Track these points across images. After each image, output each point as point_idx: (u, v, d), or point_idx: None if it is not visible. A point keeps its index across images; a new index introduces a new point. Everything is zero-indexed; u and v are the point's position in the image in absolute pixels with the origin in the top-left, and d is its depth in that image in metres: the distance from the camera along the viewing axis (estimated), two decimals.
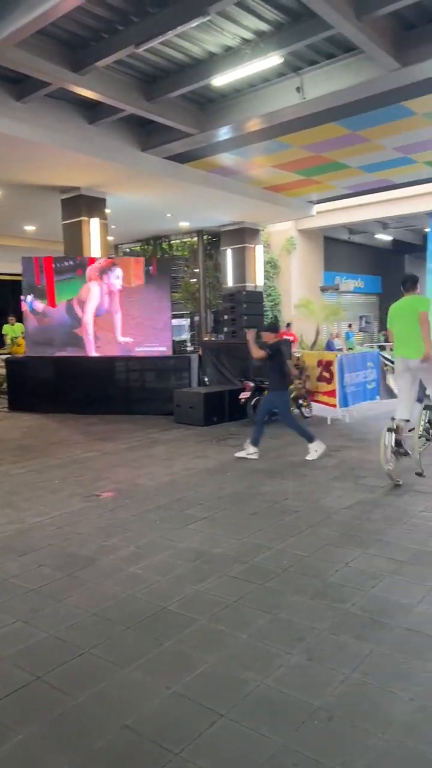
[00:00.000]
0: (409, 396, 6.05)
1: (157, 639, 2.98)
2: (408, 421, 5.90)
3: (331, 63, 8.18)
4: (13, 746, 2.23)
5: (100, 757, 2.17)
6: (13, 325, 15.88)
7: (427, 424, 6.11)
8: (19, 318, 13.44)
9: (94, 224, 12.64)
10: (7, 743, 2.25)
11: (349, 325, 21.21)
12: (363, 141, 10.91)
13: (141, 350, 11.24)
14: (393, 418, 5.87)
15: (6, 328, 16.11)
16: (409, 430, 5.87)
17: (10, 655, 2.87)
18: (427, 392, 6.20)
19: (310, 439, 7.08)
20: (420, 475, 5.80)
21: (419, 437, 5.90)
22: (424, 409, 6.15)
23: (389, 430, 5.74)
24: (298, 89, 8.47)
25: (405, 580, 3.60)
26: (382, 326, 23.86)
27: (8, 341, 15.84)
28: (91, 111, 9.85)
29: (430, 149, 11.52)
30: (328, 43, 7.77)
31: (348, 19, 6.56)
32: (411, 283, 6.02)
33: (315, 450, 7.02)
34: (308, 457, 6.96)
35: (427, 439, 6.11)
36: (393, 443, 5.75)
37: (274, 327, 7.66)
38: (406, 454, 5.85)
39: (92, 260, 11.45)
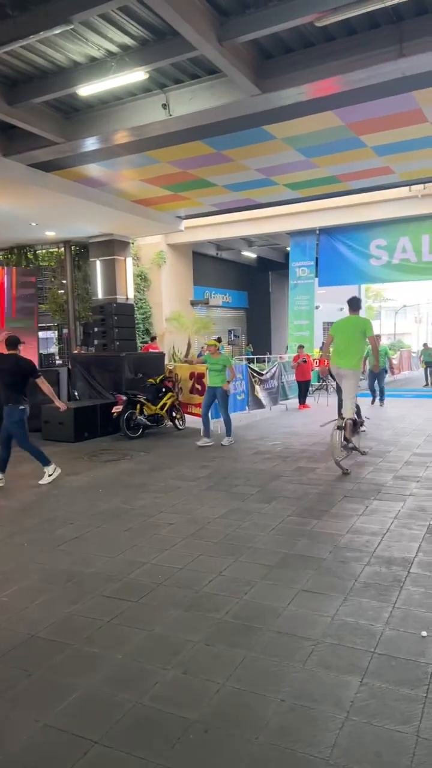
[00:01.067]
0: (353, 398, 6.97)
1: (25, 670, 2.81)
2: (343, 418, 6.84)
3: (195, 83, 8.40)
4: None
5: None
6: None
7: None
8: None
9: None
10: None
11: (218, 339, 21.75)
12: (228, 160, 11.30)
13: None
14: (342, 417, 6.87)
15: None
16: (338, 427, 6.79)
17: None
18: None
19: (46, 463, 6.84)
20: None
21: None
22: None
23: (338, 428, 6.75)
24: (164, 106, 8.58)
25: (274, 584, 3.73)
26: (249, 340, 24.85)
27: None
28: None
29: (289, 172, 12.20)
30: (192, 64, 7.97)
31: (210, 42, 6.77)
32: (356, 306, 7.13)
33: (49, 474, 6.77)
34: (41, 482, 6.69)
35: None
36: (342, 439, 6.81)
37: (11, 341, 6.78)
38: (354, 448, 7.04)
39: None
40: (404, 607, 3.35)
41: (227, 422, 8.89)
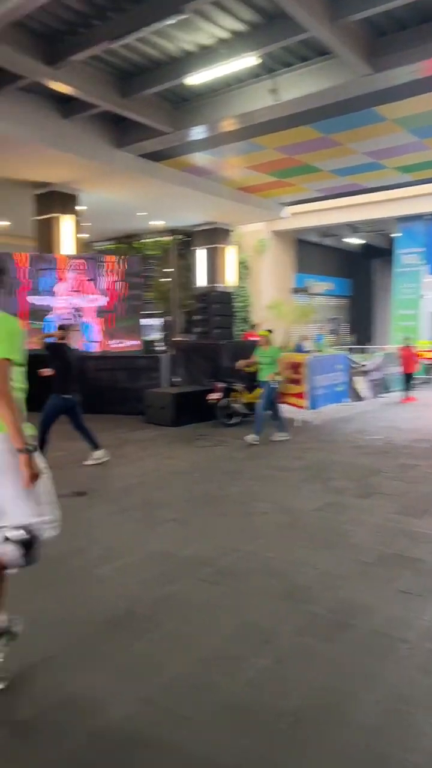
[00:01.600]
0: None
1: (124, 643, 2.94)
2: None
3: (305, 66, 8.25)
4: None
5: (66, 762, 2.14)
6: None
7: None
8: None
9: (67, 221, 12.49)
10: None
11: (320, 328, 21.44)
12: (335, 145, 11.03)
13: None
14: None
15: None
16: None
17: None
18: None
19: (96, 447, 6.90)
20: None
21: None
22: None
23: None
24: (272, 91, 8.51)
25: (371, 581, 3.64)
26: (353, 329, 24.19)
27: None
28: (66, 106, 9.72)
29: (399, 155, 11.70)
30: (303, 46, 7.83)
31: (322, 23, 6.62)
32: None
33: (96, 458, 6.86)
34: (86, 462, 6.82)
35: None
36: None
37: (62, 327, 6.93)
38: None
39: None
40: None
41: (278, 418, 8.42)
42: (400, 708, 2.42)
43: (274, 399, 8.34)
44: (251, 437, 8.05)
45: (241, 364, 8.62)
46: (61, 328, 6.86)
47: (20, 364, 2.53)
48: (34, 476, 2.46)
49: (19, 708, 2.45)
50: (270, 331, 8.97)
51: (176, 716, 2.38)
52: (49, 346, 6.75)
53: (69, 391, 6.60)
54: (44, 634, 3.03)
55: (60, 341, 6.70)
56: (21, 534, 2.47)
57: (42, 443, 6.60)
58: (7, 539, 2.45)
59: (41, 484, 2.58)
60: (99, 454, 6.84)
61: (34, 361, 3.23)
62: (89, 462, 6.78)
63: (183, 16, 6.77)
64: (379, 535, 4.47)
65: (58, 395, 6.54)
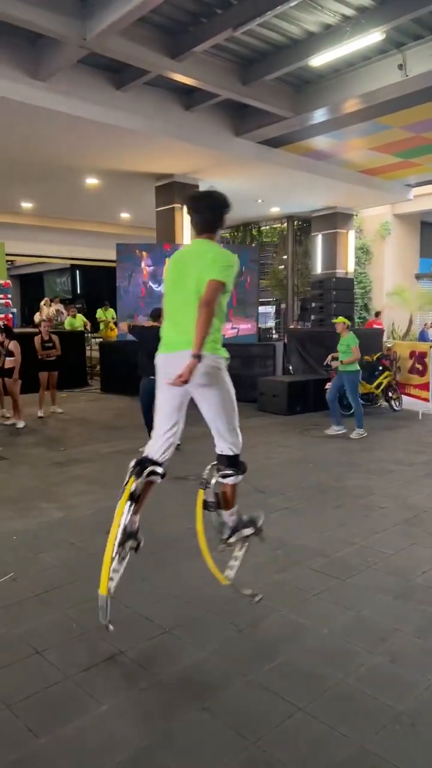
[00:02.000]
0: None
1: (235, 625, 2.99)
2: None
3: None
4: (94, 717, 2.32)
5: (176, 737, 2.22)
6: (106, 310, 16.43)
7: None
8: (113, 304, 13.88)
9: (186, 212, 12.78)
10: (89, 714, 2.34)
11: (348, 317, 20.19)
12: None
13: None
14: None
15: (99, 312, 16.70)
16: None
17: (97, 627, 2.97)
18: None
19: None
20: None
21: None
22: None
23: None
24: (400, 66, 8.09)
25: None
26: None
27: (102, 326, 16.41)
28: (188, 97, 9.90)
29: None
30: None
31: None
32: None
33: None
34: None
35: None
36: None
37: (155, 313, 6.79)
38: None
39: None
40: None
41: (356, 412, 7.95)
42: None
43: (352, 390, 7.99)
44: (333, 429, 7.96)
45: (328, 359, 8.47)
46: (155, 312, 6.97)
47: (228, 292, 2.91)
48: (184, 382, 2.74)
49: (133, 684, 2.57)
50: (349, 317, 8.67)
51: (284, 702, 2.38)
52: (137, 328, 6.96)
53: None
54: (160, 611, 3.16)
55: (150, 325, 6.82)
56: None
57: (150, 425, 6.86)
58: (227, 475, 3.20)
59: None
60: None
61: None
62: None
63: None
64: None
65: (147, 376, 6.65)
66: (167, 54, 7.93)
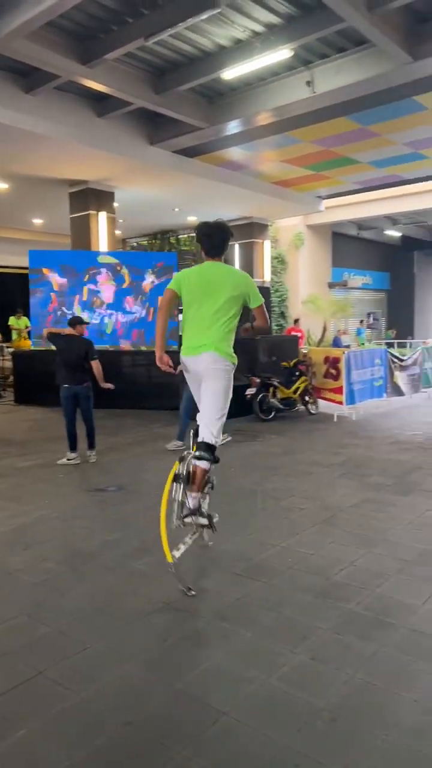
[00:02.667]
0: None
1: (160, 636, 2.96)
2: None
3: (342, 56, 8.12)
4: (15, 741, 2.22)
5: (101, 754, 2.16)
6: (19, 318, 15.88)
7: None
8: (26, 312, 13.44)
9: (102, 218, 12.64)
10: (10, 738, 2.24)
11: (361, 322, 21.18)
12: (373, 136, 10.83)
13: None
14: None
15: (12, 320, 16.11)
16: None
17: (15, 649, 2.86)
18: None
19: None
20: None
21: None
22: None
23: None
24: (308, 83, 8.41)
25: (410, 579, 3.57)
26: (391, 323, 23.78)
27: (15, 335, 15.82)
28: (100, 104, 9.81)
29: None
30: (340, 37, 7.70)
31: (359, 12, 6.49)
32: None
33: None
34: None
35: None
36: None
37: (72, 321, 6.86)
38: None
39: None
40: None
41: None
42: None
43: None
44: (174, 444, 7.35)
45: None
46: (72, 320, 6.91)
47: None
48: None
49: (53, 704, 2.49)
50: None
51: (209, 708, 2.38)
52: (52, 336, 6.88)
53: (73, 381, 6.68)
54: (81, 626, 3.08)
55: (68, 333, 6.77)
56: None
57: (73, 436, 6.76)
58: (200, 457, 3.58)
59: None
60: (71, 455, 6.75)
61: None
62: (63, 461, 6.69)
63: (217, 11, 6.74)
64: (419, 532, 4.38)
65: (63, 385, 6.66)
66: (78, 59, 7.83)
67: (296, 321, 16.93)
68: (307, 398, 10.21)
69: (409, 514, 4.81)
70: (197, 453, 3.60)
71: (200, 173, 12.18)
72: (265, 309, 3.81)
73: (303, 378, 10.08)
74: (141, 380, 11.18)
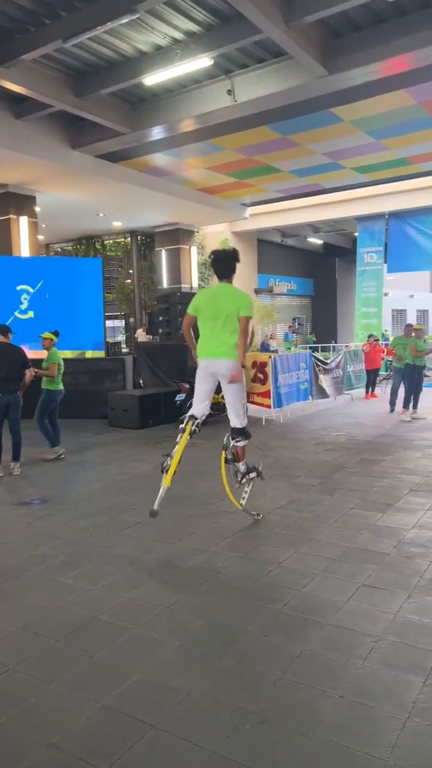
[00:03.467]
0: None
1: (86, 651, 2.89)
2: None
3: (261, 67, 8.28)
4: None
5: None
6: None
7: None
8: None
9: (23, 222, 12.27)
10: None
11: (289, 327, 21.66)
12: (293, 145, 11.11)
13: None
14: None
15: None
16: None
17: None
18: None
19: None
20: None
21: None
22: None
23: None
24: (229, 92, 8.52)
25: (335, 577, 3.66)
26: (314, 328, 24.46)
27: None
28: (19, 105, 9.54)
29: (357, 155, 11.87)
30: (258, 47, 7.86)
31: (276, 24, 6.64)
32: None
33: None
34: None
35: None
36: None
37: (3, 329, 6.68)
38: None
39: None
40: None
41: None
42: (364, 703, 2.43)
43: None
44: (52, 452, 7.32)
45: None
46: (4, 329, 6.68)
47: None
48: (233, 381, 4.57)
49: None
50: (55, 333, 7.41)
51: (140, 723, 2.34)
52: None
53: (6, 390, 6.49)
54: (3, 648, 2.95)
55: (2, 342, 6.58)
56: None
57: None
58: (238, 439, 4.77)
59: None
60: None
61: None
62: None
63: (135, 16, 6.71)
64: (344, 530, 4.51)
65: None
66: None
67: None
68: None
69: (333, 513, 4.94)
70: (235, 438, 4.79)
71: (124, 179, 12.08)
72: (248, 322, 4.48)
73: None
74: (67, 388, 10.90)
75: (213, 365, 4.56)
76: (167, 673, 2.68)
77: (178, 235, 16.86)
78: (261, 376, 10.19)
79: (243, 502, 4.80)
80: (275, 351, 16.00)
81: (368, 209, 16.87)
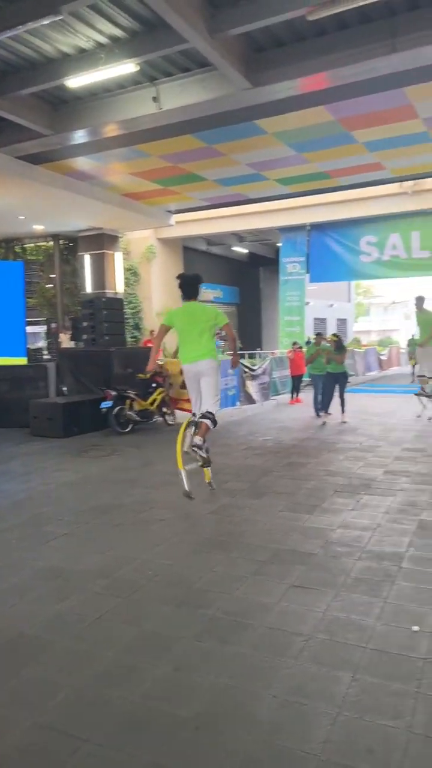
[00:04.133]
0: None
1: (14, 668, 2.77)
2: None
3: (186, 76, 8.34)
4: None
5: None
6: None
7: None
8: None
9: None
10: None
11: (216, 334, 21.75)
12: (218, 155, 11.25)
13: None
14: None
15: None
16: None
17: None
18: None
19: None
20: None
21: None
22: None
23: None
24: (154, 99, 8.52)
25: (265, 579, 3.71)
26: (241, 335, 24.80)
27: None
28: None
29: (280, 167, 12.18)
30: (183, 57, 7.91)
31: (201, 34, 6.72)
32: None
33: None
34: None
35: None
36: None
37: None
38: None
39: None
40: (395, 602, 3.34)
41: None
42: (296, 701, 2.48)
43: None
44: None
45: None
46: None
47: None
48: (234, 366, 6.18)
49: None
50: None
51: (69, 738, 2.27)
52: None
53: None
54: None
55: None
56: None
57: None
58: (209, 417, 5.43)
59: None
60: None
61: None
62: None
63: (58, 17, 6.59)
64: (272, 533, 4.59)
65: None
66: None
67: (152, 333, 17.01)
68: (164, 409, 10.27)
69: (263, 516, 5.02)
70: (205, 414, 5.48)
71: (46, 181, 11.78)
72: (230, 325, 5.92)
73: (160, 389, 10.14)
74: None
75: (196, 366, 5.61)
76: (99, 686, 2.62)
77: (102, 240, 16.63)
78: None
79: (187, 467, 5.51)
80: None
81: (291, 220, 17.37)
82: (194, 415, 5.62)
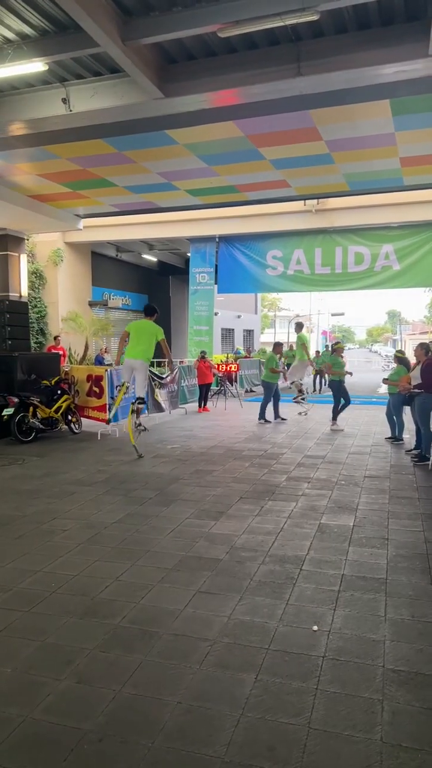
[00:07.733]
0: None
1: None
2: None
3: (98, 81, 8.25)
4: None
5: None
6: None
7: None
8: None
9: None
10: None
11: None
12: (129, 162, 11.20)
13: None
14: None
15: None
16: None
17: None
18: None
19: None
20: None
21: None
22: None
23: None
24: (63, 100, 8.35)
25: (171, 587, 3.72)
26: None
27: None
28: None
29: (190, 178, 12.31)
30: (95, 61, 7.83)
31: (113, 40, 6.69)
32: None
33: None
34: None
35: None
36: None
37: None
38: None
39: None
40: (297, 603, 3.46)
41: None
42: (201, 705, 2.50)
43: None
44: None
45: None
46: None
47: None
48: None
49: None
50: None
51: None
52: None
53: None
54: None
55: None
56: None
57: None
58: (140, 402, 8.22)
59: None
60: None
61: None
62: None
63: None
64: (179, 540, 4.60)
65: None
66: None
67: (56, 338, 16.56)
68: (70, 417, 10.02)
69: (170, 523, 5.02)
70: (139, 401, 8.20)
71: None
72: (164, 340, 8.16)
73: (65, 397, 9.88)
74: None
75: (133, 362, 8.00)
76: None
77: (6, 242, 15.99)
78: (96, 389, 10.04)
79: (135, 442, 8.02)
80: (110, 365, 15.87)
81: (200, 231, 17.58)
82: (133, 403, 8.22)
